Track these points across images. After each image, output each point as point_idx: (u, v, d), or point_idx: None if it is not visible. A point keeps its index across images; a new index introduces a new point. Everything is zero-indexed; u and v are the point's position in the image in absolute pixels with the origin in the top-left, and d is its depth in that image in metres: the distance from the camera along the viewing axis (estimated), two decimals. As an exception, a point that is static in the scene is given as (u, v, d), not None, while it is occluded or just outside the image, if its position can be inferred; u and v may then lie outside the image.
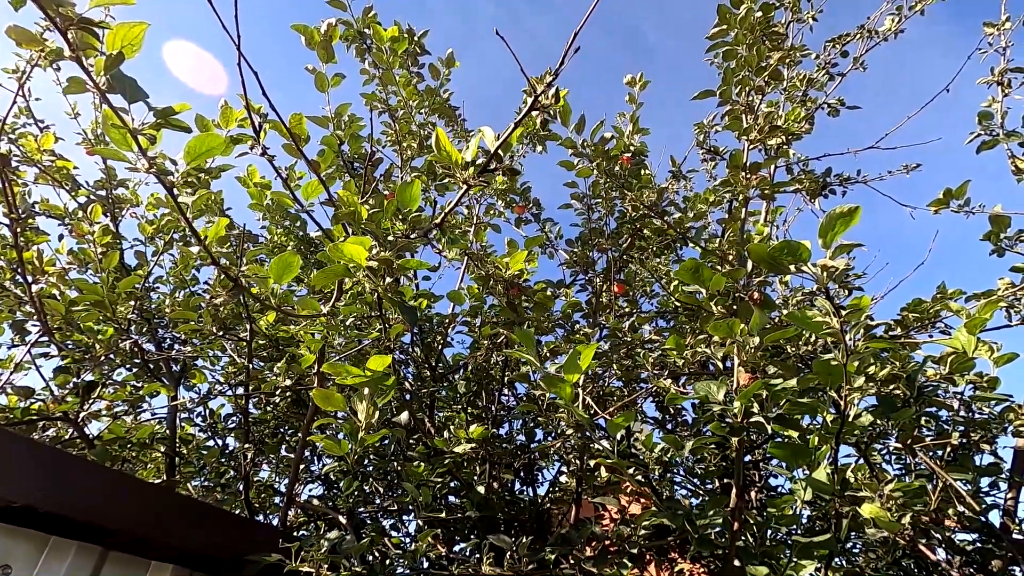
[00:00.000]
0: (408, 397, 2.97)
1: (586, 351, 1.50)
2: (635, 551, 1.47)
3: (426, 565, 1.70)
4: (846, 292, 1.87)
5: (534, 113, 1.02)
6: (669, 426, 3.26)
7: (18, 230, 1.60)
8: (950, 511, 2.22)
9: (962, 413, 2.24)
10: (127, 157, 0.96)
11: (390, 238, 1.24)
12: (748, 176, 1.76)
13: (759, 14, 1.69)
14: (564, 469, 3.07)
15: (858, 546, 2.42)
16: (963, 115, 2.86)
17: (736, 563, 1.55)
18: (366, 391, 1.61)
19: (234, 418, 2.71)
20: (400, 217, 1.25)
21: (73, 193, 2.96)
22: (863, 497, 1.23)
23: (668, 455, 1.64)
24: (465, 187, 1.08)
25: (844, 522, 1.33)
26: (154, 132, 0.97)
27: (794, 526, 1.57)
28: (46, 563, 1.22)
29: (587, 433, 2.07)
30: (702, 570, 2.66)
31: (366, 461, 2.19)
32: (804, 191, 3.17)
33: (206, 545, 1.42)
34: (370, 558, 1.50)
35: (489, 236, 3.89)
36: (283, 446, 3.27)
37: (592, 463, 1.50)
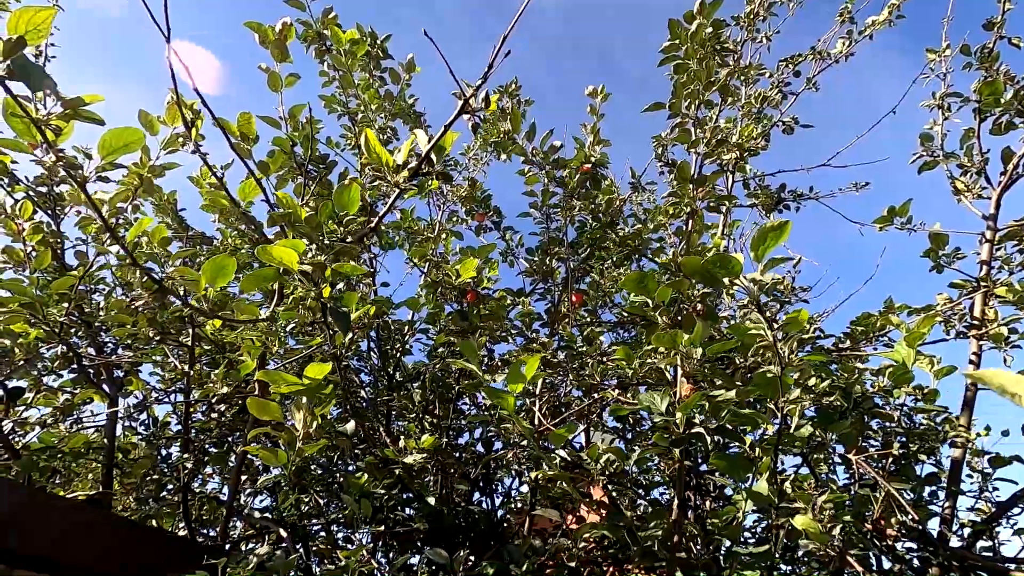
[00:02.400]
0: (365, 405, 2.90)
1: (530, 361, 1.48)
2: (572, 564, 1.45)
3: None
4: (779, 305, 1.90)
5: (464, 117, 1.00)
6: (628, 435, 3.27)
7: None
8: (892, 520, 2.27)
9: (904, 423, 2.30)
10: (29, 149, 0.90)
11: (326, 242, 1.21)
12: (695, 189, 1.78)
13: (709, 30, 1.72)
14: (520, 480, 3.04)
15: (803, 557, 2.46)
16: (912, 136, 2.98)
17: (679, 575, 1.55)
18: (304, 400, 1.55)
19: (175, 427, 2.60)
20: (337, 220, 1.21)
21: (10, 188, 2.81)
22: (797, 508, 1.24)
23: (614, 466, 1.64)
24: (397, 191, 1.06)
25: (780, 533, 1.34)
26: (62, 123, 0.91)
27: (739, 537, 1.58)
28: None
29: (542, 443, 2.05)
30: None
31: (307, 472, 2.11)
32: (760, 206, 3.25)
33: (122, 564, 1.34)
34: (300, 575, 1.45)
35: (454, 244, 3.87)
36: (231, 456, 3.15)
37: (534, 475, 1.48)
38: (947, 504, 2.31)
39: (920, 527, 2.24)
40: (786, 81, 3.00)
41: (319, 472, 2.05)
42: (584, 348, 2.00)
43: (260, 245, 1.11)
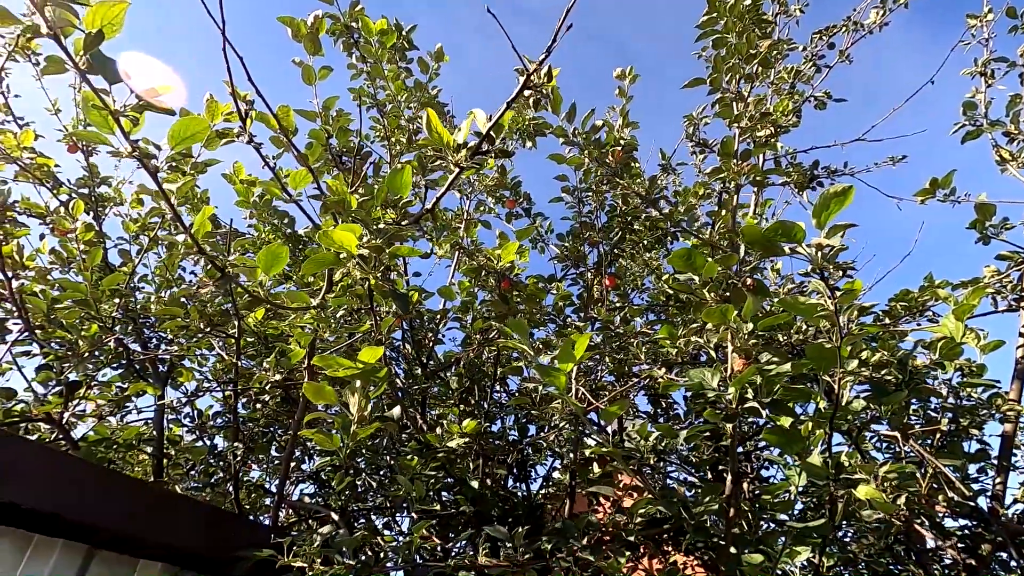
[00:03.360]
0: (400, 394, 2.94)
1: (580, 340, 1.49)
2: (631, 539, 1.47)
3: (420, 559, 1.68)
4: (840, 274, 1.87)
5: (527, 93, 1.01)
6: (661, 419, 3.27)
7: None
8: (940, 497, 2.24)
9: (951, 400, 2.26)
10: (109, 140, 0.93)
11: (380, 226, 1.23)
12: (739, 163, 1.76)
13: (748, 2, 1.69)
14: (557, 465, 3.06)
15: (850, 535, 2.44)
16: (947, 111, 2.90)
17: (732, 550, 1.55)
18: (358, 383, 1.58)
19: (223, 418, 2.67)
20: (390, 204, 1.23)
21: (55, 191, 2.90)
22: (858, 480, 1.24)
23: (663, 443, 1.64)
24: (457, 170, 1.07)
25: (839, 506, 1.34)
26: (136, 115, 0.94)
27: (791, 512, 1.58)
28: (30, 563, 1.19)
29: (580, 427, 2.06)
30: (696, 562, 2.66)
31: (358, 457, 2.16)
32: (792, 183, 3.19)
33: (196, 542, 1.39)
34: (363, 556, 1.48)
35: (480, 233, 3.89)
36: (273, 446, 3.22)
37: (587, 452, 1.49)
38: (998, 480, 2.27)
39: (971, 503, 2.20)
40: (820, 54, 2.94)
41: (369, 455, 2.09)
42: (622, 329, 2.00)
43: (319, 232, 1.13)
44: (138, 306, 2.78)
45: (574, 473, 2.53)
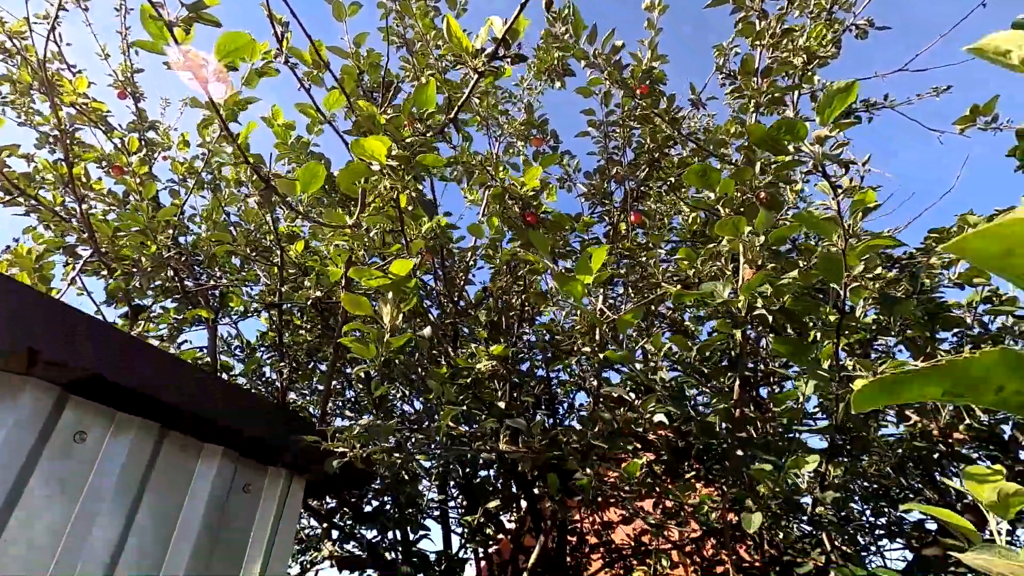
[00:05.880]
0: (430, 329, 3.10)
1: (597, 252, 1.57)
2: (640, 431, 1.58)
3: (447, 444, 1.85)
4: (844, 171, 1.86)
5: (539, -7, 1.06)
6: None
7: (68, 142, 1.71)
8: (960, 427, 2.27)
9: (976, 331, 2.26)
10: (164, 50, 1.04)
11: (408, 140, 1.32)
12: (760, 80, 1.76)
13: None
14: (583, 402, 3.20)
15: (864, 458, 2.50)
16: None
17: (739, 452, 1.65)
18: (390, 295, 1.72)
19: (268, 345, 2.88)
20: (417, 119, 1.32)
21: (108, 134, 3.09)
22: (856, 376, 1.30)
23: (676, 355, 1.73)
24: (476, 76, 1.14)
25: (840, 406, 1.41)
26: (187, 25, 1.04)
27: (800, 420, 1.65)
28: (114, 435, 1.39)
29: (600, 343, 2.15)
30: (715, 493, 2.79)
31: (393, 365, 2.32)
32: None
33: (254, 431, 1.57)
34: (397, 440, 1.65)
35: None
36: (315, 378, 3.47)
37: (603, 356, 1.59)
38: (1020, 408, 2.27)
39: (989, 431, 2.23)
40: (861, -24, 2.80)
41: (402, 367, 2.26)
42: (644, 257, 2.06)
43: (353, 141, 1.23)
44: (189, 246, 2.98)
45: (596, 397, 2.66)
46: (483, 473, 3.27)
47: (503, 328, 3.22)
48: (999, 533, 0.74)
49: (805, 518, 1.95)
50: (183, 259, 2.84)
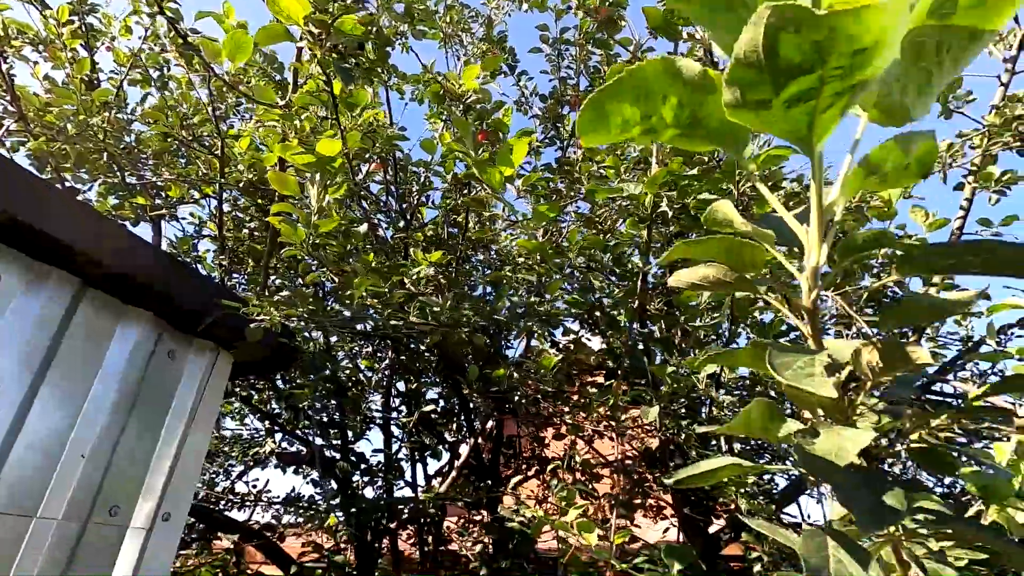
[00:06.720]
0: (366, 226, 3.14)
1: (519, 144, 1.62)
2: (543, 318, 1.71)
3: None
4: None
5: None
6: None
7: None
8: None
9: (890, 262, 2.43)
10: None
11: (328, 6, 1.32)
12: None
13: None
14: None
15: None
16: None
17: (640, 347, 1.78)
18: (317, 176, 1.75)
19: (208, 236, 2.87)
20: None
21: (44, 15, 2.93)
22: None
23: (588, 252, 1.83)
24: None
25: (727, 299, 1.54)
26: None
27: (699, 318, 1.78)
28: (30, 286, 1.41)
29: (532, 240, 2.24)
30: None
31: (323, 250, 2.37)
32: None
33: (182, 299, 1.61)
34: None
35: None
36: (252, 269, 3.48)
37: (516, 244, 1.67)
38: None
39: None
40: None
41: (332, 256, 2.30)
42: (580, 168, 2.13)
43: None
44: (133, 144, 2.90)
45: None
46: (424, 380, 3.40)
47: (448, 244, 3.28)
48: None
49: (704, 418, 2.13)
50: (126, 152, 2.78)
